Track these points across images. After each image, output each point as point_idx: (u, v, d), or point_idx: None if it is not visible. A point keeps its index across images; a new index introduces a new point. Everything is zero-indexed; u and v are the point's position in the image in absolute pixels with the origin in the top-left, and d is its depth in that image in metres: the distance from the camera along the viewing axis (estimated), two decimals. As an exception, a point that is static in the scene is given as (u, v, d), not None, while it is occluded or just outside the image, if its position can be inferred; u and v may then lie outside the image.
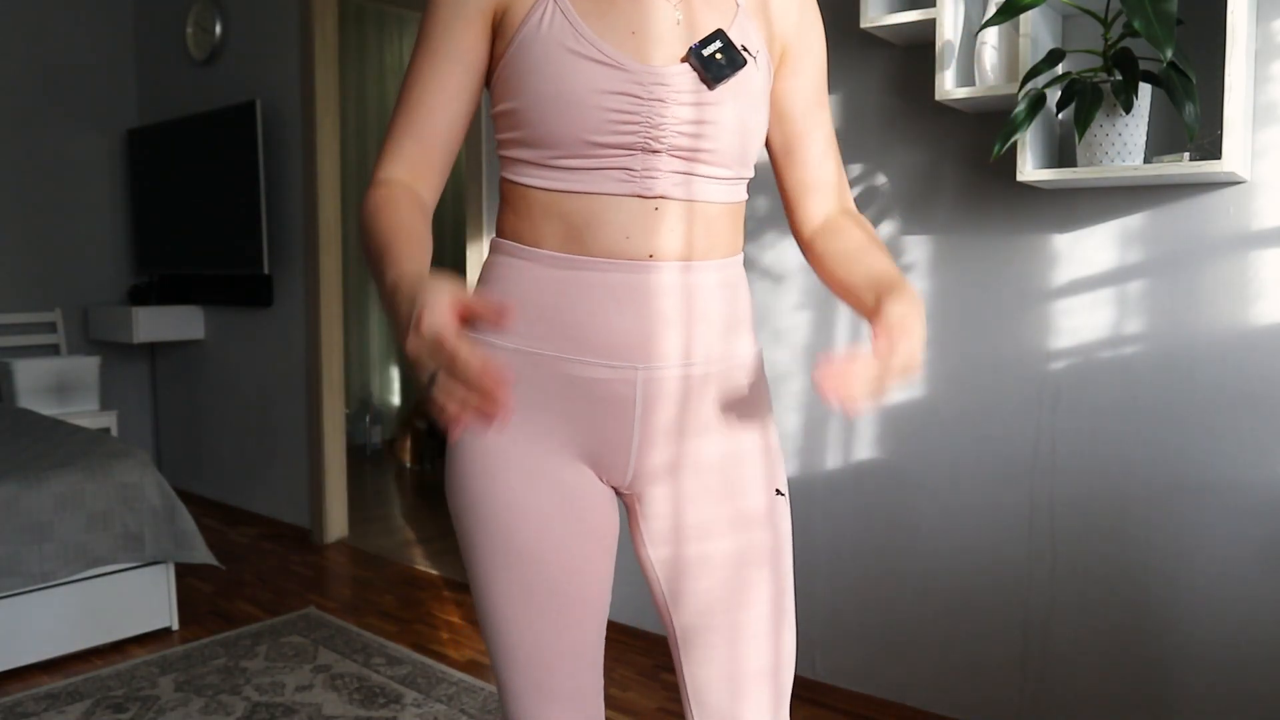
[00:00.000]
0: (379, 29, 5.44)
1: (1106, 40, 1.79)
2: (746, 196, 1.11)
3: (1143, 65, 1.85)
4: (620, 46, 0.98)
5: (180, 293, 4.48)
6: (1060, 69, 1.98)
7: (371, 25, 5.41)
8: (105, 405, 4.62)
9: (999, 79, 1.98)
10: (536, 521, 1.05)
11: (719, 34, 1.00)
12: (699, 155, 1.01)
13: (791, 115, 1.12)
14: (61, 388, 4.23)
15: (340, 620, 3.01)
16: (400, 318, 0.81)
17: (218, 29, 4.20)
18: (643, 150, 0.99)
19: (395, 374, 5.70)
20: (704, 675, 1.09)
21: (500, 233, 1.07)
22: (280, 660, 2.69)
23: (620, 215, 1.00)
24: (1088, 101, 1.73)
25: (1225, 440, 1.89)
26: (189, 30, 4.36)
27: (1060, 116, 2.00)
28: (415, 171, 1.02)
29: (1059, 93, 1.91)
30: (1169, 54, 1.59)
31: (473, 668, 2.69)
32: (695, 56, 0.98)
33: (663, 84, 0.97)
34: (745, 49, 1.01)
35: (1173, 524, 1.96)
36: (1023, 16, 1.87)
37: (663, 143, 0.99)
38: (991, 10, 1.93)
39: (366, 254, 0.97)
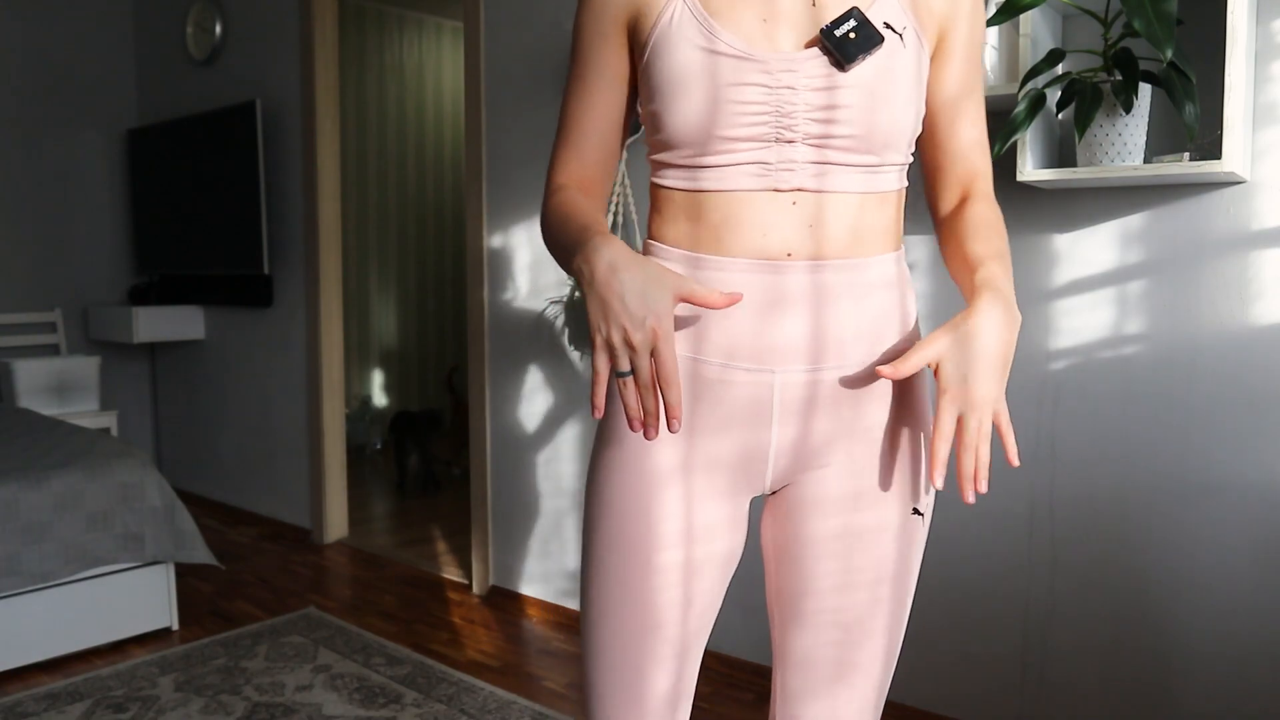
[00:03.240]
0: (379, 29, 5.44)
1: (1106, 40, 1.79)
2: (904, 184, 1.05)
3: (1143, 65, 1.85)
4: (748, 36, 0.96)
5: (180, 293, 4.48)
6: (1060, 69, 1.98)
7: (371, 25, 5.41)
8: (105, 405, 4.62)
9: (999, 79, 1.98)
10: (658, 532, 1.03)
11: (853, 12, 0.95)
12: (835, 142, 0.96)
13: (936, 104, 1.06)
14: (61, 388, 4.23)
15: (340, 620, 3.01)
16: (594, 278, 0.87)
17: (218, 29, 4.20)
18: (776, 141, 0.96)
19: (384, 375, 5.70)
20: (799, 658, 1.09)
21: (649, 234, 1.08)
22: (280, 660, 2.69)
23: (757, 212, 0.98)
24: (1088, 101, 1.73)
25: (1225, 440, 1.89)
26: (189, 30, 4.36)
27: (1060, 116, 2.00)
28: (581, 185, 1.08)
29: (1059, 93, 1.91)
30: (1169, 54, 1.59)
31: (473, 668, 2.69)
32: (827, 38, 0.94)
33: (791, 70, 0.95)
34: (889, 25, 0.96)
35: (1173, 523, 1.96)
36: (1023, 16, 1.87)
37: (796, 131, 0.96)
38: (991, 10, 1.93)
39: (554, 246, 1.01)
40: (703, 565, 1.06)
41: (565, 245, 0.97)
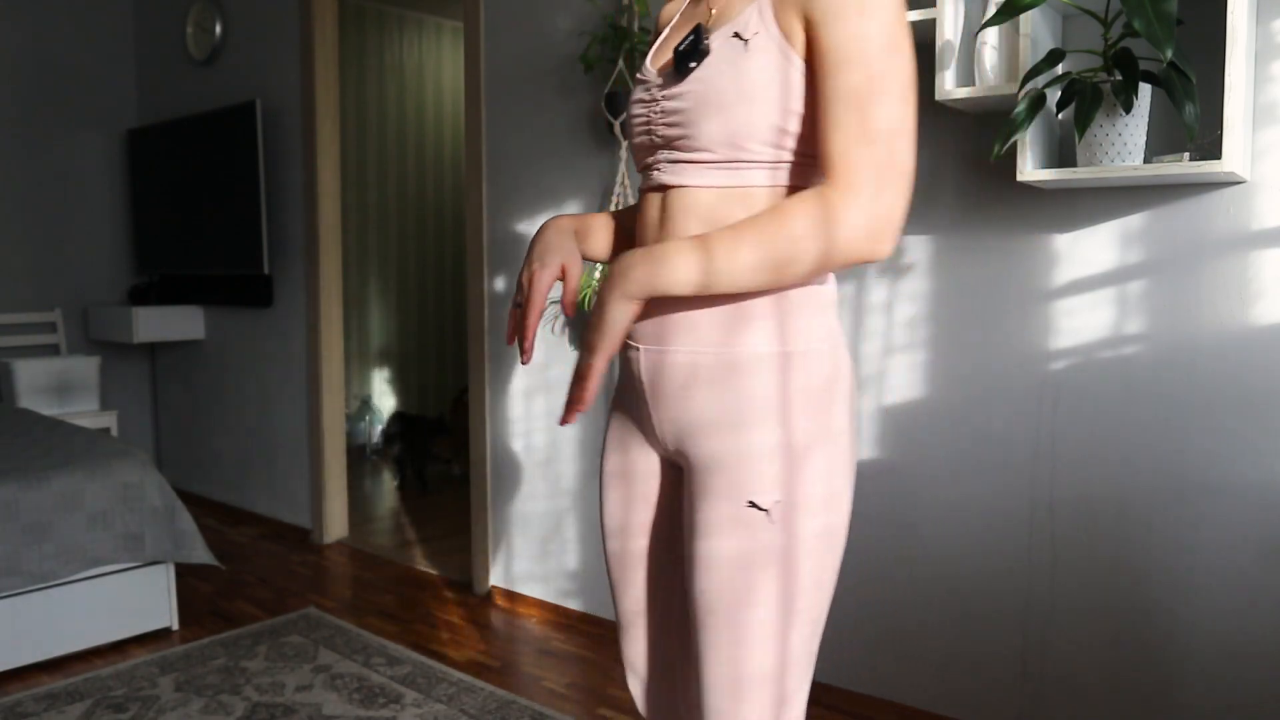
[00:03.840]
0: (379, 29, 5.44)
1: (1106, 40, 1.79)
2: (777, 184, 1.05)
3: (1143, 65, 1.85)
4: (655, 62, 1.14)
5: (180, 293, 4.48)
6: (1060, 69, 1.98)
7: (371, 25, 5.41)
8: (105, 405, 4.62)
9: (999, 79, 1.98)
10: (607, 490, 1.25)
11: (695, 29, 1.06)
12: (682, 143, 1.07)
13: (813, 106, 1.04)
14: (61, 388, 4.23)
15: (340, 620, 3.01)
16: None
17: (218, 29, 4.20)
18: (651, 146, 1.12)
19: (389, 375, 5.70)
20: (705, 675, 1.08)
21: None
22: (280, 660, 2.69)
23: (648, 210, 1.14)
24: (1088, 101, 1.73)
25: (1225, 440, 1.89)
26: (189, 30, 4.36)
27: (1060, 116, 2.00)
28: None
29: (1059, 93, 1.91)
30: (1169, 54, 1.59)
31: (473, 667, 2.69)
32: (675, 53, 1.07)
33: (654, 83, 1.11)
34: (737, 34, 1.02)
35: (1173, 523, 1.96)
36: (1023, 16, 1.87)
37: (659, 136, 1.10)
38: (991, 10, 1.93)
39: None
40: (638, 555, 1.23)
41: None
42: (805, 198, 0.97)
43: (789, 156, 1.04)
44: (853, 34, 0.96)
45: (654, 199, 1.12)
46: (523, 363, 1.12)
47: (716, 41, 1.04)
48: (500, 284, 3.16)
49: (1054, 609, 2.11)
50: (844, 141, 0.96)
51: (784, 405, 1.05)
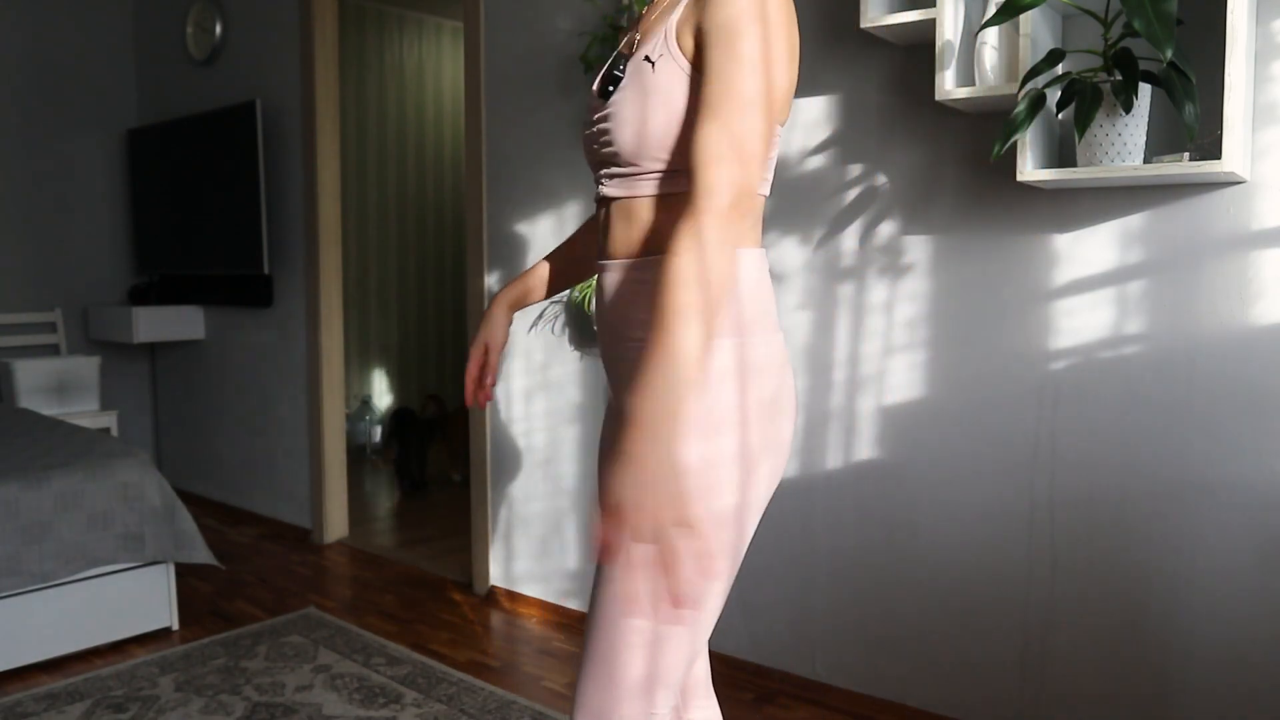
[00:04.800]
0: (379, 29, 5.44)
1: (1106, 40, 1.79)
2: (656, 192, 1.16)
3: (1143, 65, 1.85)
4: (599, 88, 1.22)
5: (180, 293, 4.48)
6: (1060, 69, 1.98)
7: (371, 25, 5.41)
8: (105, 405, 4.62)
9: (999, 79, 1.98)
10: None
11: (615, 56, 1.21)
12: (610, 158, 1.19)
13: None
14: (61, 388, 4.23)
15: (340, 620, 3.01)
16: None
17: (218, 29, 4.20)
18: (594, 163, 1.24)
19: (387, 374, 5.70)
20: None
21: None
22: (280, 660, 2.69)
23: (599, 220, 1.25)
24: (1088, 101, 1.73)
25: (1225, 440, 1.89)
26: (189, 30, 4.36)
27: (1060, 116, 2.00)
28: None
29: (1059, 93, 1.91)
30: (1169, 54, 1.59)
31: (473, 667, 2.69)
32: (603, 79, 1.20)
33: (591, 107, 1.23)
34: (647, 58, 1.14)
35: (1172, 523, 1.96)
36: (1023, 16, 1.87)
37: (597, 154, 1.22)
38: (991, 10, 1.93)
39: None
40: None
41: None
42: (691, 245, 1.00)
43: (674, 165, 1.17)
44: (718, 57, 1.10)
45: (601, 210, 1.24)
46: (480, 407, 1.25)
47: (631, 67, 1.16)
48: (499, 283, 3.16)
49: (1054, 609, 2.11)
50: (705, 163, 1.05)
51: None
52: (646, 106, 1.13)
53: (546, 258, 1.48)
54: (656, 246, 1.15)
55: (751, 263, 1.16)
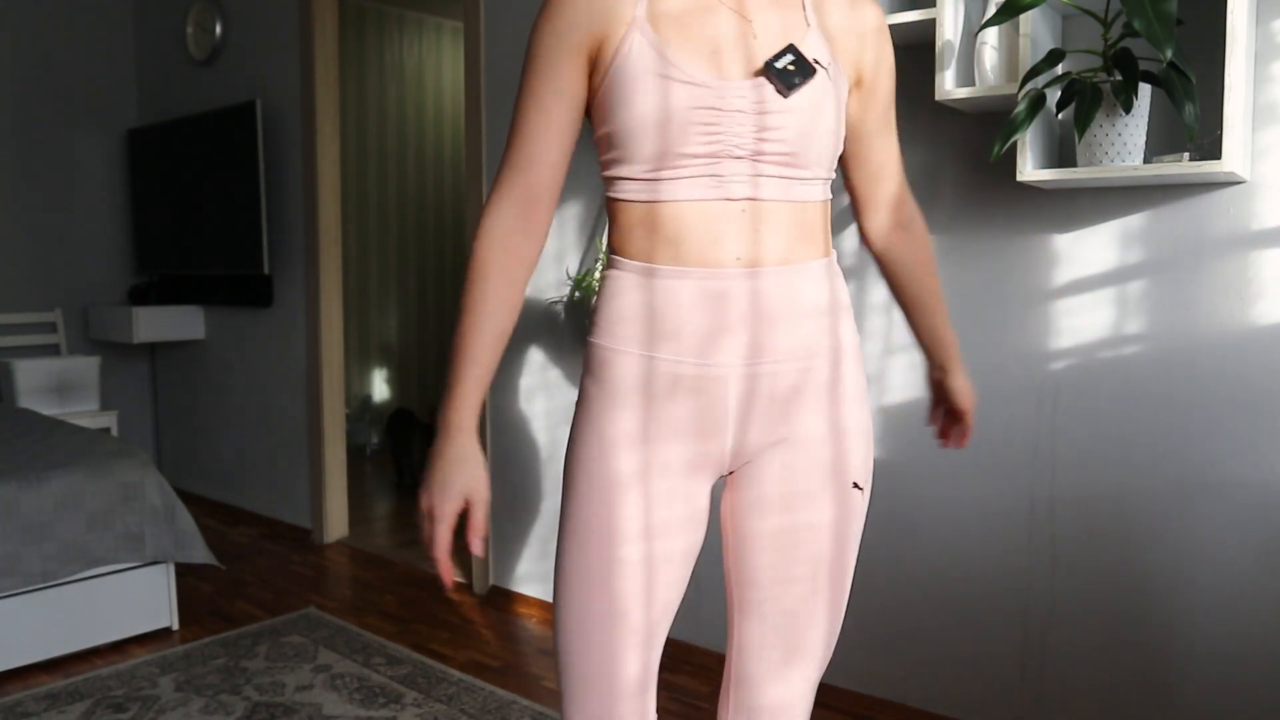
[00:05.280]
0: (379, 29, 5.44)
1: (1106, 40, 1.79)
2: (829, 198, 1.19)
3: (1143, 65, 1.85)
4: (701, 65, 1.09)
5: (180, 293, 4.48)
6: (1060, 69, 1.98)
7: (371, 25, 5.41)
8: (105, 405, 4.62)
9: (999, 79, 1.98)
10: (622, 529, 1.16)
11: (790, 48, 1.10)
12: (774, 158, 1.10)
13: (859, 134, 1.25)
14: (61, 388, 4.23)
15: (340, 620, 3.01)
16: (437, 445, 1.14)
17: (218, 29, 4.20)
18: (727, 157, 1.09)
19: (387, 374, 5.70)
20: (811, 633, 1.21)
21: (610, 249, 1.18)
22: (280, 660, 2.69)
23: (711, 222, 1.10)
24: (1088, 101, 1.73)
25: (1225, 440, 1.89)
26: (189, 30, 4.36)
27: (1060, 116, 2.00)
28: (525, 209, 1.16)
29: (1059, 93, 1.91)
30: (1169, 54, 1.59)
31: (472, 668, 2.69)
32: (770, 69, 1.08)
33: (741, 95, 1.08)
34: (817, 61, 1.11)
35: (1173, 523, 1.96)
36: (1023, 16, 1.87)
37: (744, 149, 1.09)
38: (991, 10, 1.93)
39: (461, 303, 1.16)
40: (663, 559, 1.17)
41: (451, 360, 1.14)
42: (924, 227, 1.37)
43: (832, 175, 1.19)
44: (892, 83, 1.27)
45: (728, 209, 1.10)
46: (447, 588, 1.13)
47: (819, 62, 1.12)
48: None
49: (1054, 609, 2.11)
50: (898, 180, 1.32)
51: (863, 390, 1.22)
52: (827, 111, 1.13)
53: (474, 364, 1.15)
54: (823, 251, 1.18)
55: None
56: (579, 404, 1.21)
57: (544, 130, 1.14)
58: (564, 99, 1.14)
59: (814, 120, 1.10)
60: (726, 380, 1.11)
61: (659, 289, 1.11)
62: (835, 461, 1.18)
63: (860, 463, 1.20)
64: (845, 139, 1.22)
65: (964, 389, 1.39)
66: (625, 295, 1.14)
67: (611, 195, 1.16)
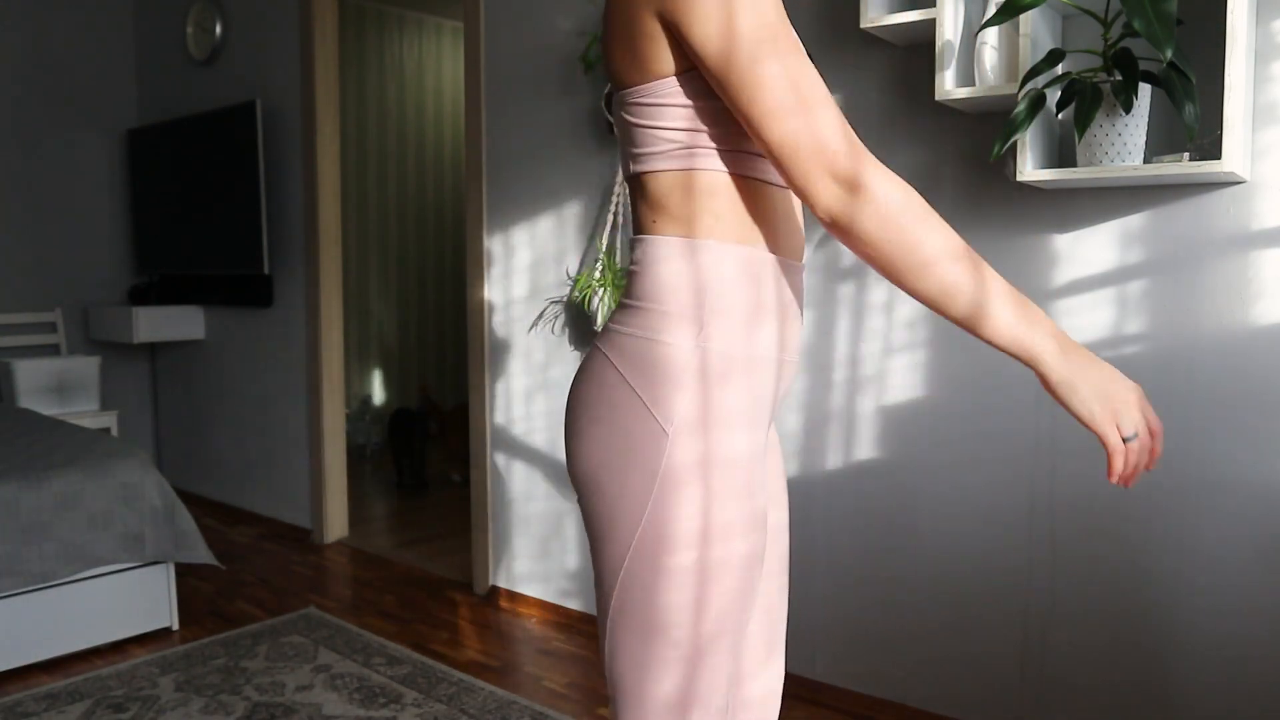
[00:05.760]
0: (379, 29, 5.44)
1: (1106, 40, 1.79)
2: None
3: (1143, 65, 1.85)
4: None
5: (180, 293, 4.48)
6: (1060, 69, 1.98)
7: (371, 25, 5.41)
8: (105, 405, 4.62)
9: (999, 79, 1.98)
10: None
11: None
12: None
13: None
14: (61, 388, 4.23)
15: (340, 620, 3.01)
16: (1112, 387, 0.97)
17: (218, 29, 4.20)
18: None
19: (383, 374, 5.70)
20: (779, 632, 1.24)
21: (693, 230, 1.02)
22: (280, 660, 2.69)
23: (795, 209, 1.08)
24: (1088, 101, 1.73)
25: (1225, 440, 1.89)
26: (189, 30, 4.36)
27: (1060, 116, 2.00)
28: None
29: (1059, 93, 1.91)
30: (1169, 54, 1.59)
31: (473, 668, 2.69)
32: None
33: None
34: None
35: (1172, 523, 1.96)
36: (1023, 16, 1.87)
37: None
38: (991, 10, 1.93)
39: (945, 257, 0.93)
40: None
41: (990, 294, 0.95)
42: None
43: None
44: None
45: (793, 199, 1.09)
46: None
47: None
48: (499, 283, 3.16)
49: (1053, 609, 2.11)
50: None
51: None
52: None
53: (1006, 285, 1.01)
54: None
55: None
56: (681, 427, 1.00)
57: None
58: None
59: None
60: (785, 373, 1.09)
61: (779, 289, 1.05)
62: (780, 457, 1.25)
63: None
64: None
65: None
66: (745, 286, 1.02)
67: (740, 173, 1.01)
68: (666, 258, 1.01)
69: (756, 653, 1.22)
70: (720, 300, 1.00)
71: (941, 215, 2.21)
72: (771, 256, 1.03)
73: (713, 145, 1.00)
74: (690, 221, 1.01)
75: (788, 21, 0.96)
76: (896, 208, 0.92)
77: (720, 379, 1.00)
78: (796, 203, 1.09)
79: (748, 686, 1.22)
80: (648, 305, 1.01)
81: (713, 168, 1.00)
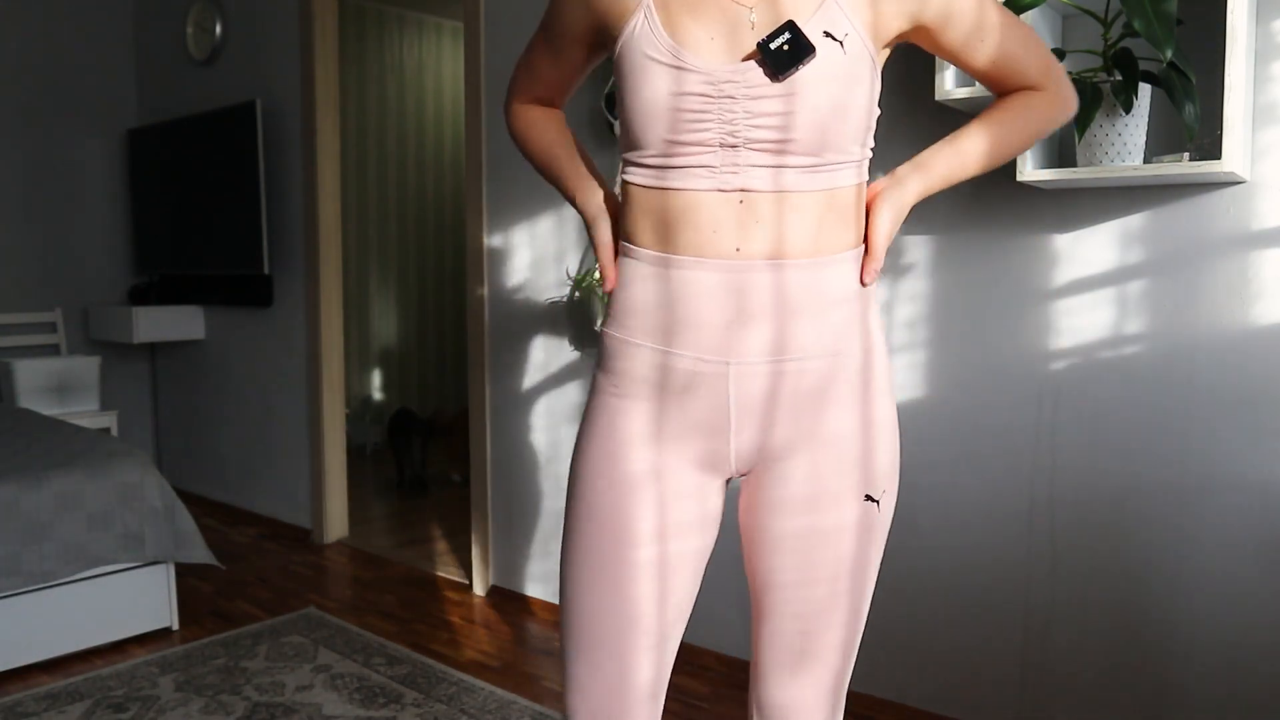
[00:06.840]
0: (379, 29, 5.44)
1: (1106, 40, 1.79)
2: (855, 181, 1.10)
3: (1143, 65, 1.85)
4: (696, 50, 1.04)
5: (180, 293, 4.48)
6: (1060, 69, 1.98)
7: (371, 25, 5.41)
8: (105, 405, 4.62)
9: (999, 79, 1.97)
10: (634, 530, 1.13)
11: (788, 25, 1.02)
12: (777, 145, 1.03)
13: (963, 59, 1.15)
14: (61, 388, 4.23)
15: (340, 620, 3.01)
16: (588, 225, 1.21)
17: (218, 29, 4.20)
18: (721, 146, 1.04)
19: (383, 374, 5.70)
20: (827, 638, 1.17)
21: (623, 236, 1.15)
22: (280, 660, 2.69)
23: (706, 211, 1.06)
24: (1088, 101, 1.73)
25: (1225, 440, 1.89)
26: (189, 30, 4.36)
27: (1060, 116, 2.00)
28: (539, 104, 1.35)
29: (1059, 93, 1.91)
30: (1169, 54, 1.59)
31: (473, 668, 2.69)
32: (763, 51, 1.01)
33: (732, 81, 1.02)
34: (829, 34, 1.02)
35: (1172, 523, 1.96)
36: (1022, 17, 1.87)
37: (738, 136, 1.03)
38: (991, 10, 1.93)
39: (525, 150, 1.40)
40: (677, 562, 1.14)
41: (557, 178, 1.31)
42: (1056, 93, 1.17)
43: (867, 153, 1.11)
44: (964, 9, 1.11)
45: (724, 200, 1.05)
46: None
47: (815, 39, 1.02)
48: (500, 283, 3.16)
49: (1054, 609, 2.11)
50: (1024, 60, 1.14)
51: (890, 384, 1.17)
52: (838, 89, 1.03)
53: (565, 158, 1.32)
54: (854, 240, 1.11)
55: None
56: (590, 398, 1.18)
57: (554, 70, 1.27)
58: (573, 55, 1.22)
59: (813, 103, 1.02)
60: (744, 377, 1.07)
61: (671, 279, 1.07)
62: (864, 460, 1.13)
63: (889, 462, 1.16)
64: (966, 66, 1.15)
65: (874, 214, 1.12)
66: (637, 284, 1.11)
67: (624, 176, 1.12)
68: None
69: (780, 661, 1.18)
70: (619, 296, 1.14)
71: (942, 215, 2.21)
72: (663, 255, 1.09)
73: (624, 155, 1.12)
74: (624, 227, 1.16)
75: (561, 19, 1.20)
76: (518, 123, 1.46)
77: (604, 359, 1.16)
78: (711, 201, 1.07)
79: (770, 691, 1.20)
80: None
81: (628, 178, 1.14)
